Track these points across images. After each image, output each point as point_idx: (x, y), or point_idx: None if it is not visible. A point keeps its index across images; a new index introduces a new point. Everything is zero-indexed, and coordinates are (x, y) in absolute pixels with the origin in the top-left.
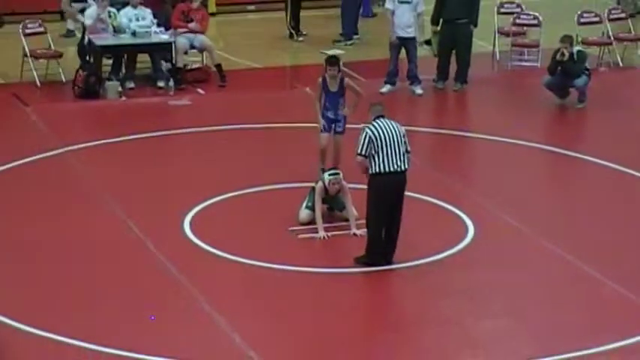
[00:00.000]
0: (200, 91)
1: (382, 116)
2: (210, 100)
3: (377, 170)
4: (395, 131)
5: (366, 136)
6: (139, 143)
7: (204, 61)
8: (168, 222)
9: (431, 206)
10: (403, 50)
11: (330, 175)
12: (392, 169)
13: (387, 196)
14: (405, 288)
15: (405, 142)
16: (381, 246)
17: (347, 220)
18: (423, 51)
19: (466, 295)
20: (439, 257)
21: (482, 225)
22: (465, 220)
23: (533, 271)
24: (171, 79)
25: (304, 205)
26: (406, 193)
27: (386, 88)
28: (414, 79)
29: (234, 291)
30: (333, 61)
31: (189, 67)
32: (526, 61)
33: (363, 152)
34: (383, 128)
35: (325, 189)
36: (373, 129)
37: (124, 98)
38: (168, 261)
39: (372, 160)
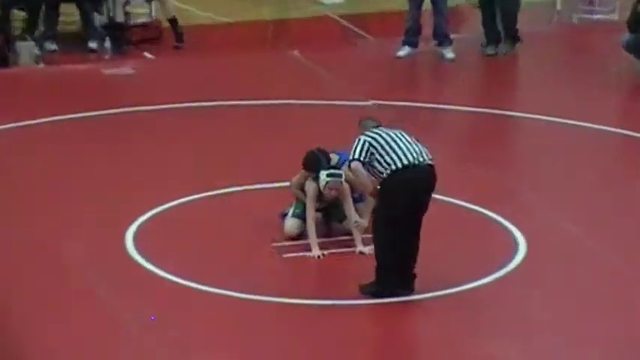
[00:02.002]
0: (148, 55)
1: (378, 127)
2: (162, 68)
3: (392, 169)
4: (400, 133)
5: (360, 140)
6: (64, 127)
7: (154, 14)
8: (104, 235)
9: (467, 214)
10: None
11: (329, 175)
12: (410, 161)
13: (404, 198)
14: (427, 326)
15: (417, 143)
16: (397, 270)
17: (350, 233)
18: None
19: (514, 336)
20: (476, 285)
21: (537, 239)
22: (513, 232)
23: (607, 308)
24: (108, 39)
25: (291, 211)
26: (433, 195)
27: (404, 51)
28: (442, 38)
29: (196, 332)
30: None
31: (132, 23)
32: (597, 12)
33: (358, 156)
34: (383, 132)
35: (319, 193)
36: (370, 134)
37: (42, 65)
38: (103, 290)
39: (381, 165)
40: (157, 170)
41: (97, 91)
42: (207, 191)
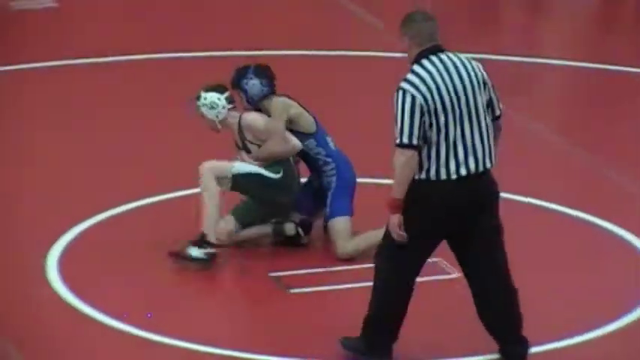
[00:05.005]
0: None
1: (437, 50)
2: (99, 1)
3: (427, 175)
4: (467, 81)
5: (406, 98)
6: None
7: None
8: (18, 259)
9: (563, 220)
10: None
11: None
12: (462, 171)
13: (444, 222)
14: None
15: (489, 100)
16: (396, 322)
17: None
18: None
19: None
20: (583, 340)
21: None
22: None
23: None
24: None
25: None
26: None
27: None
28: None
29: None
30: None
31: None
32: None
33: (408, 140)
34: (441, 78)
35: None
36: (421, 82)
37: None
38: (18, 339)
39: (421, 153)
40: (90, 161)
41: (2, 34)
42: (163, 193)
